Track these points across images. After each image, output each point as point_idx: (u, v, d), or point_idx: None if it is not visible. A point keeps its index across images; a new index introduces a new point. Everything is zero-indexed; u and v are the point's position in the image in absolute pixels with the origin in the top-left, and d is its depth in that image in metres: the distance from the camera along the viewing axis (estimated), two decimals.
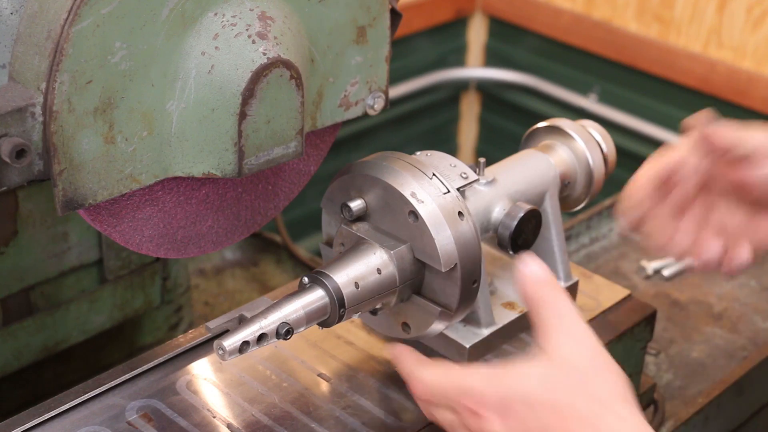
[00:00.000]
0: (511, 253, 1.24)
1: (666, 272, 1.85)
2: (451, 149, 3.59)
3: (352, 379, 1.24)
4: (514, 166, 1.29)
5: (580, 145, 1.34)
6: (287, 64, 1.08)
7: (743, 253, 1.19)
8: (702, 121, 1.19)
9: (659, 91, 3.03)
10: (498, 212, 1.23)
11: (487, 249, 1.35)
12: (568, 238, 1.89)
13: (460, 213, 1.15)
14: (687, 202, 1.26)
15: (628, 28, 3.04)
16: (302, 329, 1.13)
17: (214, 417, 1.17)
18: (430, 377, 1.06)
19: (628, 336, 1.35)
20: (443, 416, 1.06)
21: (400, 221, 1.17)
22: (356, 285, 1.14)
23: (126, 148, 1.05)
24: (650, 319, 1.38)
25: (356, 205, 1.19)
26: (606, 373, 1.00)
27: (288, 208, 1.36)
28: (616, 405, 0.98)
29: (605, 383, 0.99)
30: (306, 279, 1.15)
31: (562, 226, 1.32)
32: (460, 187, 1.20)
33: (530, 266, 1.05)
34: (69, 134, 1.00)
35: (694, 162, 1.24)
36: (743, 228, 1.23)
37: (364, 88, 1.24)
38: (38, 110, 0.98)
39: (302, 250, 2.04)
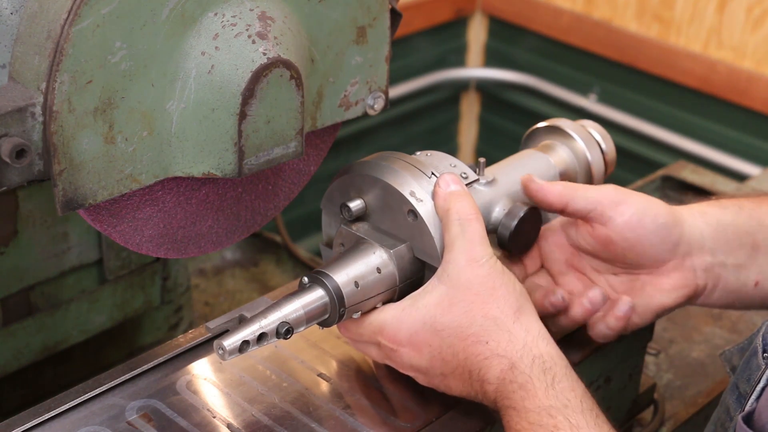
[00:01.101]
0: (511, 252, 1.24)
1: None
2: (451, 149, 3.59)
3: (352, 379, 1.24)
4: (514, 166, 1.29)
5: (580, 145, 1.34)
6: (287, 64, 1.08)
7: (623, 304, 1.21)
8: (531, 178, 1.24)
9: (659, 91, 3.03)
10: (498, 212, 1.23)
11: None
12: None
13: None
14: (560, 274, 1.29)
15: (628, 28, 3.04)
16: (302, 329, 1.13)
17: (214, 417, 1.17)
18: (352, 321, 1.17)
19: (628, 336, 1.35)
20: (370, 351, 1.19)
21: (399, 220, 1.17)
22: (356, 284, 1.14)
23: (126, 148, 1.05)
24: None
25: (355, 205, 1.20)
26: (501, 292, 1.10)
27: (288, 208, 1.36)
28: (506, 321, 1.10)
29: (495, 301, 1.10)
30: (306, 279, 1.15)
31: None
32: None
33: (444, 177, 1.15)
34: (69, 134, 1.00)
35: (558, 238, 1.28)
36: (628, 294, 1.25)
37: (364, 88, 1.24)
38: (38, 110, 0.98)
39: (302, 250, 2.04)
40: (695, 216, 1.25)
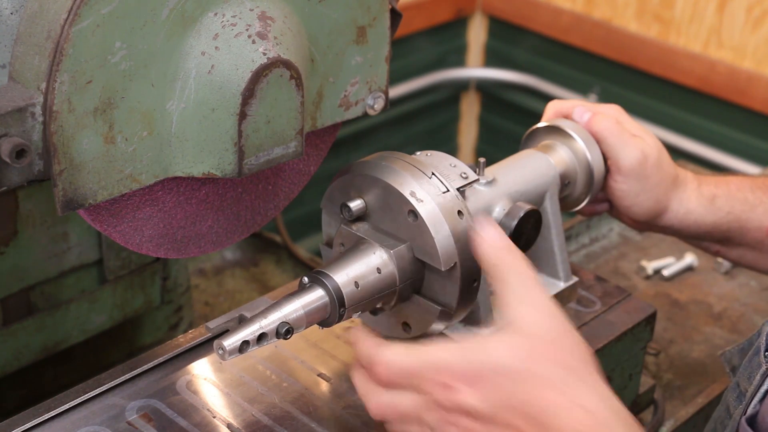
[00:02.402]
0: None
1: (666, 272, 1.85)
2: (451, 149, 3.59)
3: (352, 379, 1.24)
4: (514, 166, 1.29)
5: (580, 145, 1.34)
6: (287, 64, 1.08)
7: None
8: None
9: (659, 91, 3.03)
10: (498, 212, 1.23)
11: None
12: (568, 238, 1.89)
13: (459, 212, 1.15)
14: None
15: (628, 28, 3.04)
16: (302, 329, 1.13)
17: (214, 417, 1.17)
18: (393, 357, 1.02)
19: (628, 336, 1.35)
20: (406, 400, 1.02)
21: (399, 221, 1.17)
22: (356, 284, 1.14)
23: (126, 148, 1.05)
24: (650, 319, 1.38)
25: (356, 205, 1.19)
26: (570, 341, 1.02)
27: (288, 208, 1.36)
28: (583, 372, 1.00)
29: (571, 351, 1.01)
30: (306, 279, 1.15)
31: (562, 226, 1.32)
32: (460, 187, 1.20)
33: (488, 231, 1.06)
34: (69, 134, 1.00)
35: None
36: None
37: (364, 88, 1.24)
38: (38, 110, 0.98)
39: (302, 250, 2.04)
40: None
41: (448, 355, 1.00)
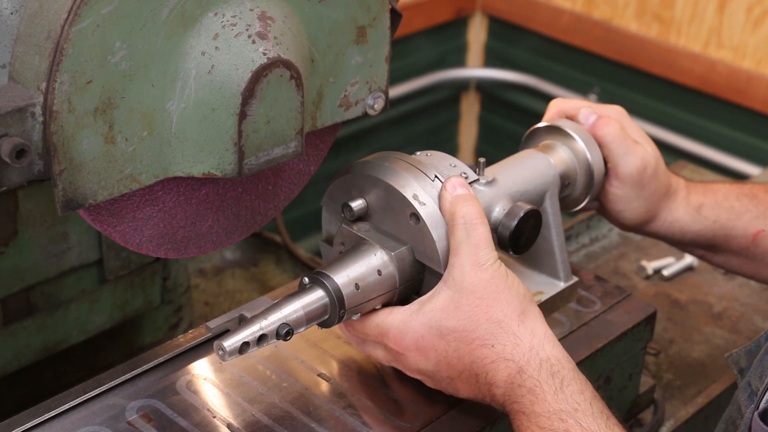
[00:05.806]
0: (511, 253, 1.24)
1: (666, 272, 1.85)
2: (451, 149, 3.59)
3: (352, 379, 1.24)
4: (514, 166, 1.29)
5: (580, 145, 1.34)
6: (287, 64, 1.08)
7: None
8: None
9: (659, 91, 3.03)
10: (498, 212, 1.23)
11: None
12: (568, 238, 1.89)
13: None
14: None
15: (628, 28, 3.04)
16: (302, 329, 1.13)
17: (214, 417, 1.17)
18: (356, 322, 1.18)
19: (628, 336, 1.35)
20: (376, 352, 1.19)
21: (401, 222, 1.17)
22: (356, 286, 1.14)
23: (126, 148, 1.05)
24: (650, 319, 1.38)
25: (357, 204, 1.19)
26: (504, 295, 1.11)
27: (288, 208, 1.36)
28: (512, 325, 1.11)
29: (501, 305, 1.11)
30: (306, 279, 1.15)
31: (562, 226, 1.32)
32: None
33: (452, 184, 1.16)
34: (69, 134, 1.00)
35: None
36: None
37: (364, 88, 1.24)
38: (38, 110, 0.98)
39: (302, 250, 2.04)
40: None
41: (397, 323, 1.14)
